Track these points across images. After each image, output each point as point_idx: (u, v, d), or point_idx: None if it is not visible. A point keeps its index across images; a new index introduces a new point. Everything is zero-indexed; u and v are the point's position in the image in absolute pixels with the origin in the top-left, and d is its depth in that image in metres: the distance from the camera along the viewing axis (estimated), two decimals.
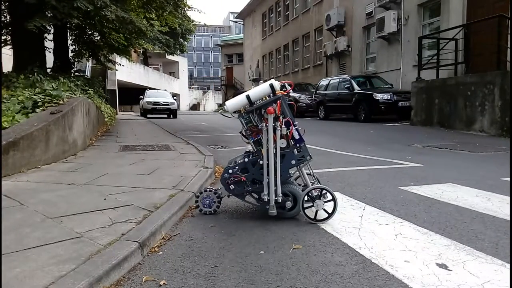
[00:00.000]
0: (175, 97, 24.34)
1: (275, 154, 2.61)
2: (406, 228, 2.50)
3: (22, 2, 8.03)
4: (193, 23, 20.67)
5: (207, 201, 2.90)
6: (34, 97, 5.95)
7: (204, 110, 51.23)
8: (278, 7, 26.65)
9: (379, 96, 11.76)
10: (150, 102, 20.91)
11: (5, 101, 5.60)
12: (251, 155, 2.80)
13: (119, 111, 24.68)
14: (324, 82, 15.32)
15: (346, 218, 2.73)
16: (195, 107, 53.10)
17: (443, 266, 1.92)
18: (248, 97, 2.64)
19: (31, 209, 2.82)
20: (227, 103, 2.72)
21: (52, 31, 11.16)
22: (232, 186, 2.76)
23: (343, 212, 2.84)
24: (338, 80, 14.29)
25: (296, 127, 2.68)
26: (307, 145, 2.74)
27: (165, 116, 20.85)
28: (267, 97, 2.66)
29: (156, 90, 24.62)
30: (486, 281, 1.75)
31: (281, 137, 2.61)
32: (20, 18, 8.64)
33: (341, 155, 5.75)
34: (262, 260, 2.07)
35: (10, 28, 10.15)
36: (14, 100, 5.65)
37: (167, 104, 20.97)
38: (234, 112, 2.75)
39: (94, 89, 11.58)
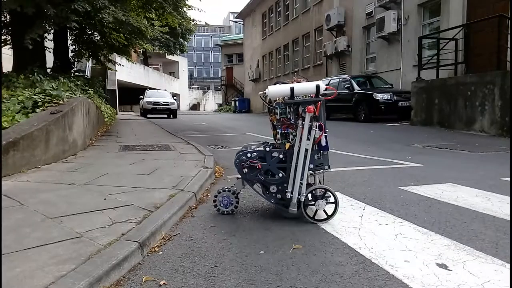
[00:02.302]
0: (175, 97, 24.35)
1: (300, 153, 2.60)
2: (406, 228, 2.50)
3: (21, 12, 7.99)
4: (194, 22, 20.53)
5: (225, 201, 2.90)
6: (34, 97, 5.95)
7: (204, 110, 51.25)
8: (278, 7, 26.63)
9: (379, 96, 11.75)
10: (150, 102, 20.91)
11: (5, 101, 5.60)
12: (271, 146, 2.81)
13: (119, 111, 24.67)
14: (324, 82, 15.31)
15: (346, 218, 2.73)
16: (195, 107, 53.13)
17: (443, 266, 1.92)
18: (292, 89, 2.63)
19: (31, 209, 2.82)
20: (269, 87, 2.72)
21: (52, 31, 11.16)
22: (245, 170, 2.76)
23: (343, 212, 2.84)
24: (338, 80, 14.27)
25: (326, 134, 2.68)
26: None
27: (165, 116, 20.84)
28: (308, 97, 2.66)
29: (156, 90, 24.61)
30: (486, 281, 1.75)
31: (308, 138, 2.60)
32: (21, 23, 8.63)
33: (341, 155, 5.75)
34: (262, 260, 2.07)
35: (10, 28, 10.15)
36: (14, 100, 5.66)
37: (167, 104, 20.96)
38: (270, 102, 2.76)
39: (94, 89, 11.59)
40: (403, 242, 2.25)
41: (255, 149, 2.83)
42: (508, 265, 1.91)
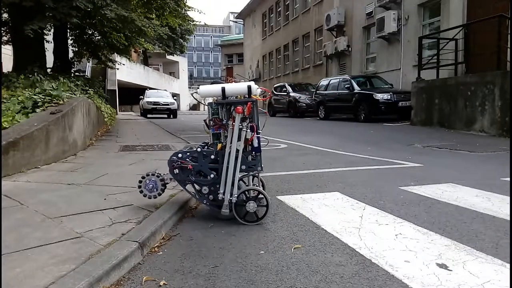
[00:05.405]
0: (175, 97, 24.34)
1: (231, 154, 2.59)
2: (406, 228, 2.50)
3: (20, 5, 8.00)
4: (193, 23, 20.52)
5: (151, 186, 2.81)
6: (34, 97, 5.95)
7: (204, 110, 51.17)
8: (278, 7, 26.63)
9: (379, 96, 11.75)
10: (150, 102, 20.91)
11: (5, 101, 5.60)
12: (206, 147, 2.78)
13: (119, 111, 24.66)
14: (324, 82, 15.31)
15: (346, 218, 2.73)
16: (195, 107, 53.02)
17: (443, 266, 1.92)
18: (223, 89, 2.60)
19: (31, 209, 2.82)
20: (201, 87, 2.71)
21: (52, 31, 11.16)
22: (176, 171, 2.72)
23: (343, 212, 2.84)
24: (338, 80, 14.28)
25: (259, 135, 2.66)
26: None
27: (165, 116, 20.85)
28: (242, 97, 2.64)
29: (156, 90, 24.61)
30: (486, 281, 1.74)
31: (240, 139, 2.58)
32: (20, 19, 8.63)
33: (341, 155, 5.75)
34: (262, 260, 2.06)
35: (10, 27, 10.15)
36: (14, 100, 5.65)
37: (167, 104, 20.97)
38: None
39: (94, 89, 11.58)
40: (403, 242, 2.25)
41: (192, 149, 2.79)
42: (508, 265, 1.91)
